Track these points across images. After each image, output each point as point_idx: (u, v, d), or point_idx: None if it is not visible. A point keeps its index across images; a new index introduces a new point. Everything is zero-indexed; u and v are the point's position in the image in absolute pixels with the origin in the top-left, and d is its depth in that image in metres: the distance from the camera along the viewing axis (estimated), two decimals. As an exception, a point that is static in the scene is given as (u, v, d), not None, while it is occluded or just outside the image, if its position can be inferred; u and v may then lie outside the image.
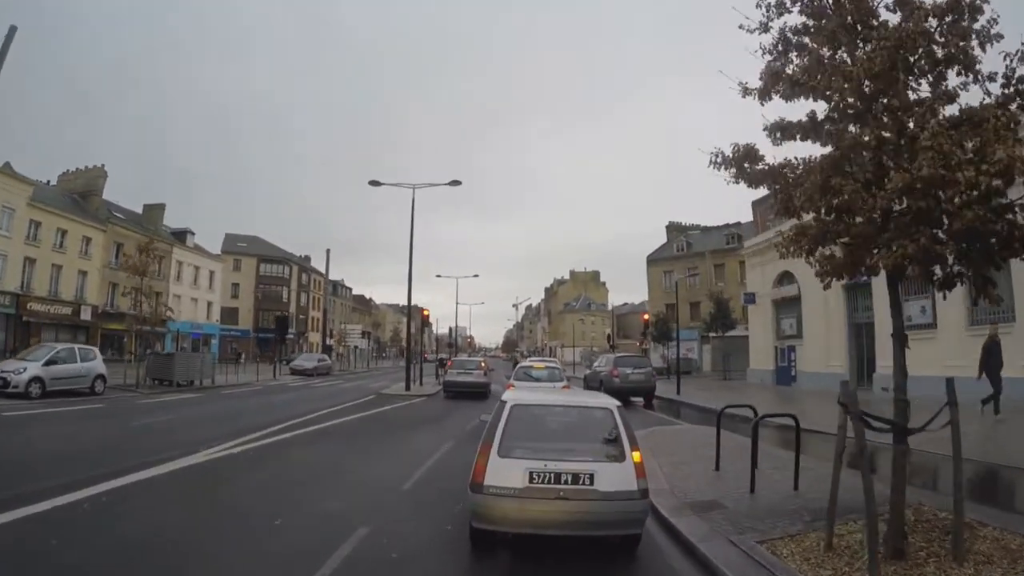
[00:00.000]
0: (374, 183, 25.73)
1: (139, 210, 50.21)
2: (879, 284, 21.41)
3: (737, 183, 6.33)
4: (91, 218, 40.77)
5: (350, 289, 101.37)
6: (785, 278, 30.91)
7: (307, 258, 78.54)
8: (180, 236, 52.31)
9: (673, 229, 64.19)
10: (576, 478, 4.96)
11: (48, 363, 18.20)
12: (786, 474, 8.07)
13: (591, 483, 4.96)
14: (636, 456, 5.17)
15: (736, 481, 7.87)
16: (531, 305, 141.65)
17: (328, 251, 47.60)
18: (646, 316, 39.89)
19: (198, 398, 20.71)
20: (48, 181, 42.78)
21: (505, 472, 5.02)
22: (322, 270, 49.38)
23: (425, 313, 35.52)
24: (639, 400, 21.19)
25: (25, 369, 17.60)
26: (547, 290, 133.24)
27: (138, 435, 12.11)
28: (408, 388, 25.84)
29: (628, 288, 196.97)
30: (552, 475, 4.96)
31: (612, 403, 5.72)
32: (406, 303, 28.42)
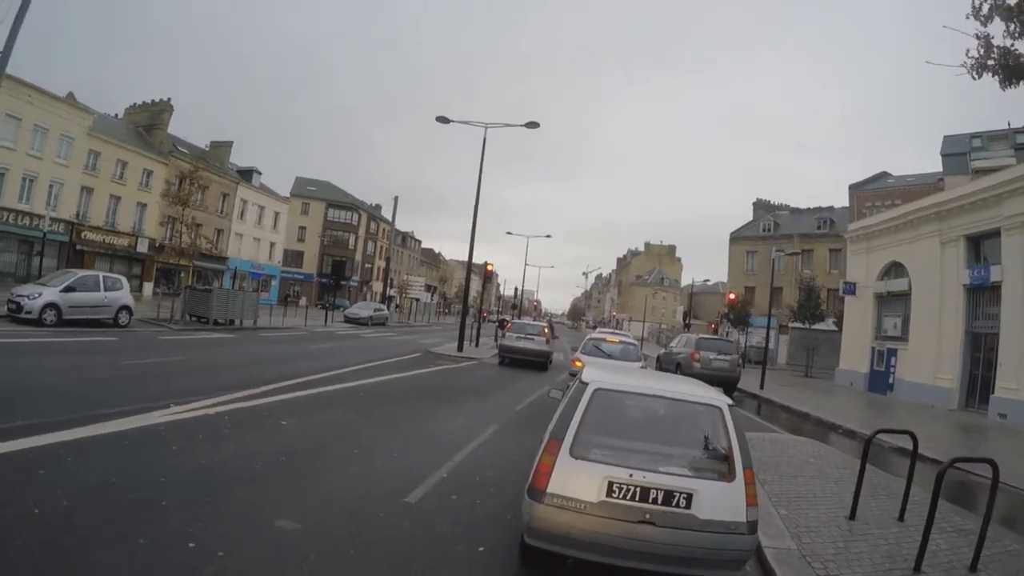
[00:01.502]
0: (442, 119, 23.25)
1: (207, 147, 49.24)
2: (1011, 286, 17.64)
3: (977, 75, 3.69)
4: (153, 151, 39.96)
5: (419, 242, 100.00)
6: (893, 269, 26.63)
7: (377, 207, 77.29)
8: (246, 175, 51.17)
9: (760, 207, 59.83)
10: (669, 497, 3.71)
11: (67, 290, 16.69)
12: (943, 535, 5.61)
13: (687, 506, 3.70)
14: (749, 476, 3.87)
15: (884, 543, 5.38)
16: (601, 275, 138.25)
17: (396, 198, 45.98)
18: (732, 295, 36.26)
19: (227, 339, 18.96)
20: (116, 115, 42.33)
21: (577, 478, 3.81)
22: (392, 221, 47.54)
23: (489, 267, 33.05)
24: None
25: (40, 294, 16.11)
26: (619, 260, 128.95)
27: (119, 378, 10.11)
28: (460, 349, 23.49)
29: (701, 268, 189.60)
30: (638, 490, 3.74)
31: (722, 399, 4.30)
32: (473, 257, 26.02)
